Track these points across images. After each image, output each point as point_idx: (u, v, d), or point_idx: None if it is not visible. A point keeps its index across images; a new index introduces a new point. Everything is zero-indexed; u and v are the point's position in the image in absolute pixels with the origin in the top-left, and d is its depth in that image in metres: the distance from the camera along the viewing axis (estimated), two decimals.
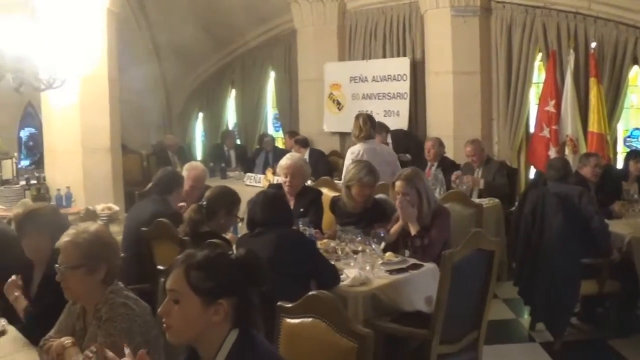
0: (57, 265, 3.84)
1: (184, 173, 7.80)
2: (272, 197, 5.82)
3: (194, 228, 6.05)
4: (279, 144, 15.55)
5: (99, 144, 9.45)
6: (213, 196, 6.23)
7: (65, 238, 3.85)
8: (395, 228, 6.47)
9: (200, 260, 2.90)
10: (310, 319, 3.90)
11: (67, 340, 3.78)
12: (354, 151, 8.76)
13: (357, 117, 9.00)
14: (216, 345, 2.87)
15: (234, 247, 5.39)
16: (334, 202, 7.23)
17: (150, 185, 7.77)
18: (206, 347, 2.90)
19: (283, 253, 5.20)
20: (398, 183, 6.47)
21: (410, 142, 11.69)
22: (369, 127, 8.83)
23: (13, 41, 6.70)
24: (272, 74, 16.18)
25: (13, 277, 4.56)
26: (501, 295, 8.30)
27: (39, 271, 4.87)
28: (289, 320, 4.01)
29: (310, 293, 3.98)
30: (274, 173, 10.72)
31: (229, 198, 6.31)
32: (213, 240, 5.18)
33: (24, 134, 16.36)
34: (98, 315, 3.73)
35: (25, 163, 13.01)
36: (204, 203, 6.19)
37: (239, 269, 2.93)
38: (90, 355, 3.57)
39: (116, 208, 8.72)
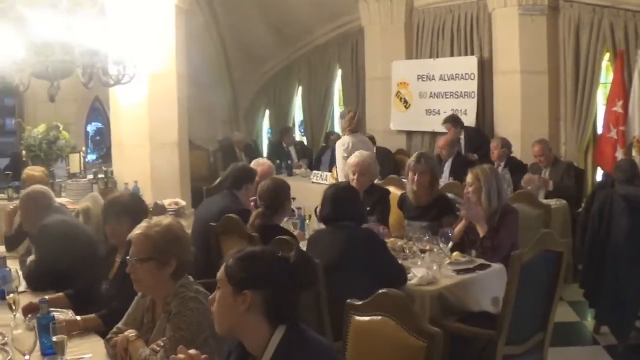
0: (128, 257, 3.91)
1: None
2: (342, 189, 5.83)
3: (262, 232, 6.07)
4: None
5: (166, 139, 9.54)
6: (272, 191, 6.31)
7: (137, 230, 3.91)
8: (459, 228, 6.44)
9: (242, 254, 3.01)
10: (379, 317, 3.88)
11: (131, 334, 3.85)
12: (344, 142, 9.10)
13: (349, 111, 9.44)
14: (261, 341, 2.92)
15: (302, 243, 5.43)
16: (402, 198, 7.21)
17: (218, 180, 7.82)
18: (252, 342, 2.98)
19: (353, 251, 5.20)
20: (468, 175, 6.47)
21: (482, 141, 11.57)
22: (356, 122, 9.29)
23: (82, 36, 6.75)
24: (339, 72, 16.13)
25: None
26: (566, 297, 8.19)
27: (120, 255, 4.99)
28: (358, 317, 4.00)
29: (380, 291, 3.96)
30: None
31: (285, 186, 6.48)
32: (282, 237, 5.21)
33: (91, 128, 16.60)
34: (168, 309, 3.77)
35: (91, 157, 13.17)
36: (263, 203, 6.25)
37: (279, 266, 2.98)
38: (157, 348, 3.62)
39: (183, 203, 8.79)
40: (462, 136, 11.60)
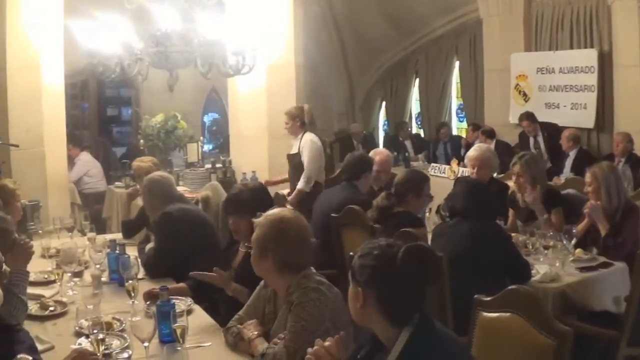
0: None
1: None
2: (474, 185, 5.74)
3: (382, 214, 6.01)
4: (463, 134, 15.31)
5: (284, 130, 9.53)
6: (400, 180, 6.21)
7: (256, 222, 3.93)
8: (582, 226, 6.24)
9: (362, 249, 2.98)
10: (507, 314, 3.76)
11: (252, 333, 3.87)
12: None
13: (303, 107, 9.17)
14: (388, 338, 2.88)
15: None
16: (511, 198, 7.03)
17: (338, 172, 7.76)
18: (380, 335, 2.94)
19: (479, 245, 5.09)
20: (587, 174, 6.30)
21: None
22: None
23: (202, 27, 6.80)
24: (456, 64, 15.96)
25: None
26: None
27: (244, 246, 5.02)
28: (485, 313, 3.88)
29: (510, 287, 3.85)
30: (459, 164, 10.57)
31: (416, 179, 6.25)
32: (406, 229, 5.13)
33: (208, 119, 16.83)
34: (289, 299, 3.74)
35: (208, 147, 13.32)
36: (393, 189, 6.16)
37: (388, 264, 2.89)
38: (278, 341, 3.59)
39: None
40: (539, 133, 11.36)
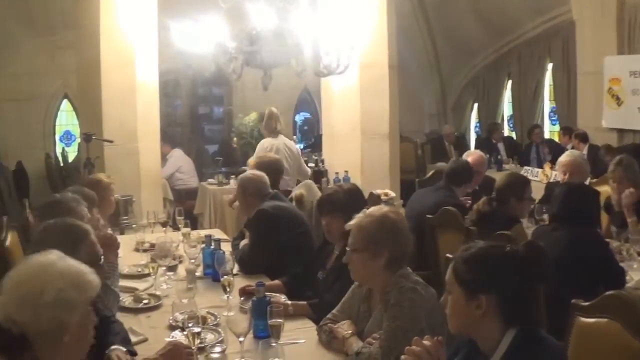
0: (347, 248, 3.88)
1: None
2: (575, 189, 5.60)
3: (481, 219, 5.92)
4: (555, 138, 15.06)
5: (377, 130, 9.46)
6: (501, 185, 6.10)
7: (353, 221, 3.91)
8: None
9: (469, 254, 2.88)
10: (605, 320, 3.62)
11: (346, 332, 3.84)
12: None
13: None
14: (493, 342, 2.80)
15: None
16: (606, 204, 6.85)
17: (431, 173, 7.72)
18: (483, 341, 2.86)
19: (576, 250, 4.96)
20: None
21: None
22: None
23: (296, 26, 6.80)
24: (549, 66, 15.71)
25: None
26: None
27: (337, 249, 4.97)
28: (583, 319, 3.75)
29: (608, 292, 3.70)
30: (552, 167, 10.39)
31: (517, 183, 6.13)
32: (502, 232, 5.03)
33: (299, 118, 16.89)
34: (386, 299, 3.71)
35: (299, 146, 13.37)
36: (494, 194, 6.07)
37: (509, 264, 2.84)
38: (373, 341, 3.55)
39: (392, 194, 8.69)
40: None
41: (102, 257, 3.89)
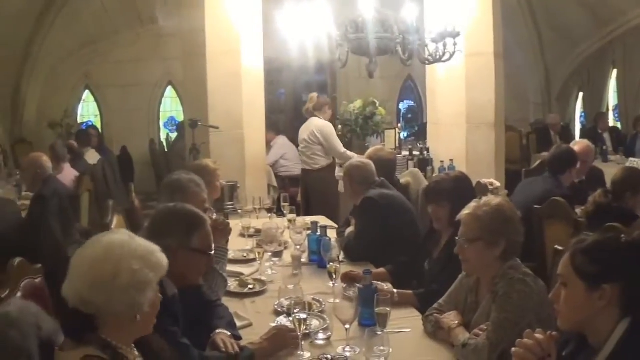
0: (457, 238, 3.84)
1: None
2: None
3: (595, 211, 5.79)
4: None
5: (483, 119, 9.34)
6: (617, 178, 5.97)
7: (466, 211, 3.84)
8: None
9: (587, 245, 2.76)
10: None
11: (452, 322, 3.80)
12: None
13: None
14: (605, 333, 2.70)
15: None
16: None
17: (537, 163, 7.60)
18: (595, 334, 2.75)
19: None
20: None
21: None
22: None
23: (402, 13, 6.75)
24: None
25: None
26: None
27: (444, 238, 4.93)
28: None
29: None
30: None
31: (634, 177, 5.99)
32: (612, 224, 4.90)
33: (403, 106, 16.82)
34: (494, 290, 3.66)
35: (403, 134, 13.31)
36: (610, 187, 5.94)
37: (630, 252, 2.73)
38: (480, 333, 3.50)
39: (497, 184, 8.58)
40: None
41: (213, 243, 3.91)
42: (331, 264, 4.63)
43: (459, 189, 5.00)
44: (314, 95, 10.18)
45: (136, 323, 2.63)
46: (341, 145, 9.73)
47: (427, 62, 7.24)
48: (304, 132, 9.98)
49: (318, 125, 9.75)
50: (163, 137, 16.59)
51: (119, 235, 2.74)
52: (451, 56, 7.06)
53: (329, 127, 9.76)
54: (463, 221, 3.82)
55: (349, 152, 9.58)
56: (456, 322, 3.80)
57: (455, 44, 6.98)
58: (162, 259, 2.74)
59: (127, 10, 15.05)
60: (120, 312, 2.58)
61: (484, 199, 3.90)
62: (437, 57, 7.04)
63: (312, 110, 9.88)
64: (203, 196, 5.09)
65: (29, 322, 2.50)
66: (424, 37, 6.90)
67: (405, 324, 4.11)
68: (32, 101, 15.91)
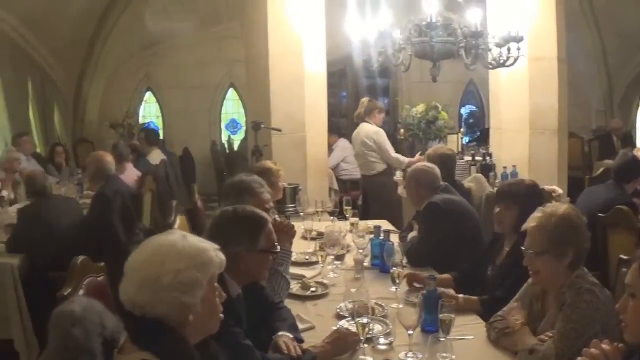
0: (523, 248, 3.78)
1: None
2: None
3: None
4: None
5: (546, 125, 9.27)
6: None
7: (532, 223, 3.75)
8: None
9: None
10: None
11: (517, 322, 3.75)
12: None
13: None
14: None
15: None
16: None
17: (601, 170, 7.52)
18: None
19: None
20: None
21: None
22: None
23: (466, 17, 6.74)
24: None
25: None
26: None
27: (507, 245, 4.91)
28: None
29: None
30: None
31: None
32: None
33: (464, 111, 16.73)
34: (561, 299, 3.60)
35: (464, 139, 13.26)
36: None
37: None
38: (545, 338, 3.46)
39: (560, 191, 8.52)
40: None
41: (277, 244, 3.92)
42: (394, 268, 4.62)
43: (530, 196, 4.92)
44: (365, 100, 10.19)
45: (192, 323, 2.62)
46: (392, 149, 9.71)
47: (490, 66, 7.22)
48: (356, 139, 9.98)
49: (368, 132, 9.75)
50: (224, 138, 16.70)
51: (170, 235, 2.74)
52: (515, 60, 7.04)
53: (378, 132, 9.74)
54: (529, 233, 3.75)
55: (400, 157, 9.58)
56: (521, 321, 3.76)
57: (518, 49, 6.96)
58: (215, 257, 2.71)
59: (189, 12, 15.17)
60: (167, 314, 2.56)
61: (549, 208, 3.83)
62: (501, 61, 7.02)
63: (363, 116, 9.87)
64: (266, 196, 5.11)
65: (93, 320, 2.50)
66: (487, 41, 6.87)
67: (468, 330, 4.07)
68: (94, 101, 16.14)
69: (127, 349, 2.54)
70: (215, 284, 2.73)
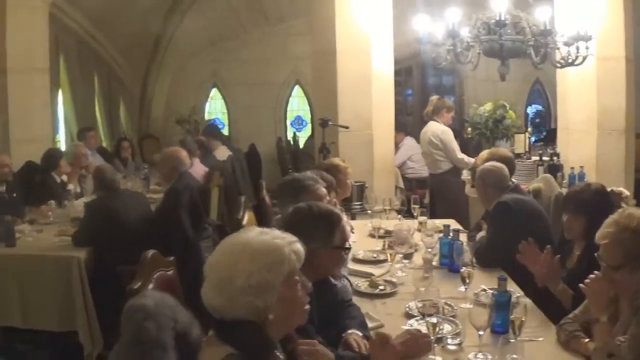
0: (596, 255, 3.70)
1: None
2: None
3: None
4: None
5: (613, 125, 9.17)
6: None
7: (605, 238, 3.61)
8: None
9: None
10: None
11: (603, 318, 3.69)
12: None
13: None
14: None
15: None
16: None
17: None
18: None
19: None
20: None
21: None
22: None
23: (535, 16, 6.71)
24: None
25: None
26: None
27: (579, 247, 4.90)
28: None
29: None
30: None
31: None
32: None
33: (531, 110, 16.57)
34: (635, 304, 3.52)
35: (532, 139, 13.14)
36: None
37: None
38: (623, 340, 3.42)
39: (627, 193, 8.41)
40: None
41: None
42: (464, 268, 4.62)
43: (598, 203, 4.85)
44: (434, 98, 10.16)
45: (273, 321, 2.64)
46: (458, 149, 9.66)
47: (559, 65, 7.17)
48: (424, 137, 9.93)
49: (435, 131, 9.70)
50: (290, 135, 16.76)
51: (245, 233, 2.75)
52: (584, 60, 7.00)
53: (445, 131, 9.68)
54: (603, 247, 3.64)
55: (466, 158, 9.54)
56: (604, 319, 3.69)
57: (587, 48, 6.90)
58: (288, 254, 2.69)
59: (254, 10, 15.24)
60: (245, 317, 2.58)
61: (622, 219, 3.66)
62: (569, 60, 6.97)
63: (431, 114, 9.84)
64: (323, 191, 5.12)
65: (165, 314, 2.56)
66: (556, 40, 6.83)
67: (537, 332, 4.04)
68: (159, 97, 16.33)
69: (212, 342, 2.60)
70: (296, 277, 2.73)
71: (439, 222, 6.31)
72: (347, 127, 8.79)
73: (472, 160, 9.22)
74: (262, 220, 6.91)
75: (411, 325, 4.08)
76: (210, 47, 16.25)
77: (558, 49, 7.01)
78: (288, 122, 17.14)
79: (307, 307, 2.81)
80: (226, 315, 2.58)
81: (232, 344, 2.55)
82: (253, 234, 2.73)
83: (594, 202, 4.87)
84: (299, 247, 2.75)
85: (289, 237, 2.77)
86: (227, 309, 2.57)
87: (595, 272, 3.67)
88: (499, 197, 5.71)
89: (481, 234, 5.96)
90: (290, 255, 2.70)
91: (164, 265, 4.36)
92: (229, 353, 2.53)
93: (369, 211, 7.17)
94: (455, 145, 9.65)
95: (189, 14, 14.65)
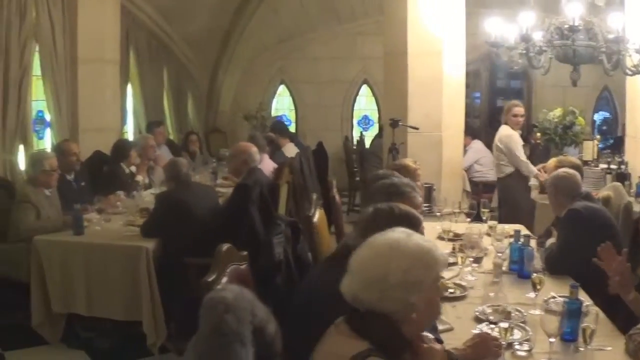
0: None
1: None
2: None
3: None
4: None
5: None
6: None
7: None
8: None
9: None
10: None
11: None
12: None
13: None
14: None
15: None
16: None
17: None
18: None
19: None
20: None
21: None
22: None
23: (607, 22, 6.67)
24: None
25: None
26: None
27: None
28: None
29: None
30: None
31: None
32: None
33: (598, 117, 16.38)
34: None
35: (600, 146, 13.03)
36: None
37: None
38: None
39: None
40: None
41: None
42: (535, 274, 4.62)
43: None
44: (508, 103, 10.17)
45: (413, 320, 2.72)
46: (522, 155, 9.58)
47: (630, 72, 7.11)
48: (495, 140, 9.93)
49: (502, 135, 9.71)
50: (356, 134, 16.78)
51: (394, 234, 2.83)
52: None
53: (510, 136, 9.63)
54: None
55: (530, 166, 9.47)
56: None
57: None
58: (439, 256, 2.79)
59: (325, 8, 15.29)
60: (392, 312, 2.66)
61: None
62: (639, 69, 6.91)
63: (504, 119, 9.83)
64: (419, 200, 5.05)
65: (244, 308, 2.62)
66: (627, 47, 6.78)
67: (606, 341, 4.00)
68: (228, 92, 16.47)
69: (344, 331, 2.69)
70: (439, 282, 2.84)
71: (508, 227, 6.30)
72: (417, 128, 8.82)
73: (535, 170, 9.16)
74: (331, 218, 6.95)
75: (481, 330, 4.08)
76: (279, 43, 16.35)
77: (630, 56, 6.95)
78: (354, 121, 17.17)
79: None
80: (374, 308, 2.66)
81: (367, 336, 2.63)
82: (401, 235, 2.83)
83: None
84: (443, 253, 2.86)
85: (434, 243, 2.88)
86: (375, 302, 2.66)
87: None
88: (571, 205, 5.68)
89: (551, 240, 5.94)
90: (440, 257, 2.80)
91: (238, 259, 4.40)
92: (367, 348, 2.59)
93: (437, 213, 7.17)
94: (519, 150, 9.58)
95: (259, 10, 14.74)
